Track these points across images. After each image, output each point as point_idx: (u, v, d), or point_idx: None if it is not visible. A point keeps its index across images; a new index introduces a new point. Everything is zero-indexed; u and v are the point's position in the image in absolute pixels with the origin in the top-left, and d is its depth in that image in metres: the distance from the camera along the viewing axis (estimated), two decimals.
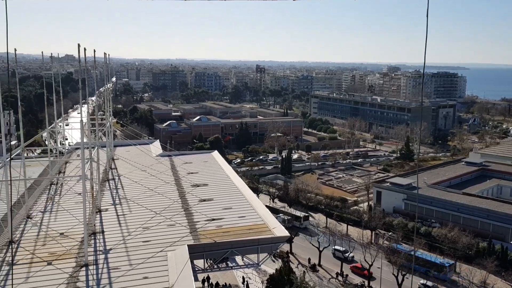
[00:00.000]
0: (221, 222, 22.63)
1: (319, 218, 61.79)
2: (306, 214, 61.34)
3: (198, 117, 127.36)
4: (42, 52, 30.14)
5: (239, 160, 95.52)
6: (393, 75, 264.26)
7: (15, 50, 25.59)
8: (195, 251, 19.11)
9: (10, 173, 15.68)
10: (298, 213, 60.94)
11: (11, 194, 17.85)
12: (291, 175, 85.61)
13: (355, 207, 66.48)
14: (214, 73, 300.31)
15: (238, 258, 30.35)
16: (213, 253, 20.67)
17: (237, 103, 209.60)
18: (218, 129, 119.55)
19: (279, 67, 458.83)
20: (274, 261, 46.56)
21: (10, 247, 19.17)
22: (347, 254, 49.55)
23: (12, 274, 16.79)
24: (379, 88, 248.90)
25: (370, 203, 65.24)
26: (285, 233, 21.60)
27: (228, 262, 35.18)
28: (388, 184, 65.09)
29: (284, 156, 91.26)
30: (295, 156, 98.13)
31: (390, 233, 54.39)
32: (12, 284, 15.62)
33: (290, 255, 50.68)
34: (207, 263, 21.66)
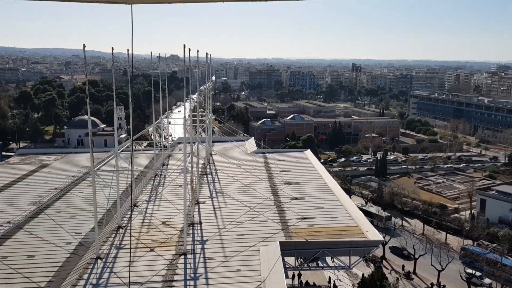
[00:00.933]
0: (313, 221, 22.57)
1: (415, 224, 58.90)
2: (389, 215, 58.83)
3: (291, 116, 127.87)
4: (151, 53, 32.42)
5: (331, 160, 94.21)
6: (503, 74, 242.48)
7: (128, 51, 27.83)
8: (286, 248, 19.29)
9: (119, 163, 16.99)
10: (380, 213, 58.69)
11: (127, 183, 19.33)
12: (386, 177, 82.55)
13: (456, 215, 62.24)
14: (309, 72, 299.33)
15: (329, 259, 30.02)
16: (304, 252, 20.72)
17: (331, 102, 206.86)
18: (311, 128, 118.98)
19: (376, 66, 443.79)
20: (366, 265, 45.34)
21: (118, 232, 20.94)
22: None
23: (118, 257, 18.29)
24: (486, 88, 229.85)
25: (472, 211, 60.70)
26: (379, 237, 20.97)
27: (319, 262, 34.97)
28: (494, 192, 60.17)
29: (379, 158, 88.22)
30: (390, 158, 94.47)
31: (495, 244, 50.18)
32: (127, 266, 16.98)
33: (383, 260, 49.01)
34: (297, 261, 21.79)
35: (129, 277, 14.78)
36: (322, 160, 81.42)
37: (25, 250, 19.54)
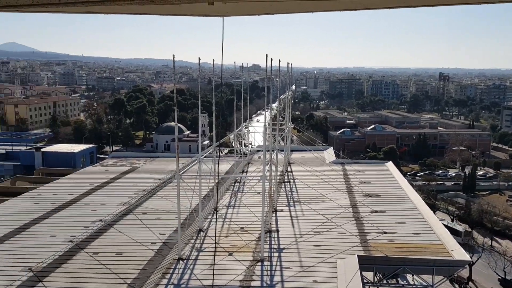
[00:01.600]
0: (394, 236, 21.76)
1: (506, 246, 54.49)
2: (468, 230, 54.76)
3: (372, 126, 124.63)
4: (234, 63, 33.42)
5: (414, 173, 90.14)
6: None
7: (213, 60, 28.98)
8: (365, 263, 18.78)
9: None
10: (458, 227, 54.84)
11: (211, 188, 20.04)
12: (475, 194, 77.44)
13: None
14: (392, 81, 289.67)
15: (410, 277, 28.67)
16: (383, 267, 20.03)
17: (415, 112, 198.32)
18: (394, 139, 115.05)
19: (466, 75, 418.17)
20: (451, 286, 42.70)
21: (199, 235, 21.74)
22: None
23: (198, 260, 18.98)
24: None
25: None
26: (466, 257, 19.72)
27: (399, 279, 33.54)
28: None
29: (467, 173, 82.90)
30: (480, 173, 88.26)
31: None
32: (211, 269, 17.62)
33: (469, 281, 45.88)
34: (376, 277, 21.11)
35: (213, 279, 15.31)
36: (405, 173, 78.12)
37: (114, 247, 20.95)
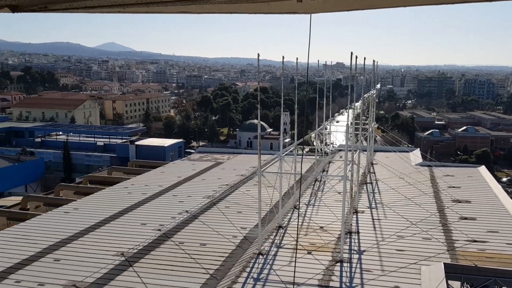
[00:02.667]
0: (485, 245, 20.38)
1: None
2: None
3: (464, 127, 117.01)
4: (318, 61, 33.26)
5: (511, 179, 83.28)
6: None
7: (297, 59, 29.09)
8: (451, 271, 17.83)
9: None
10: None
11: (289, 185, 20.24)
12: None
13: None
14: (487, 80, 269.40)
15: None
16: (472, 278, 18.84)
17: None
18: (487, 141, 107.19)
19: None
20: None
21: (279, 231, 22.03)
22: None
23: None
24: None
25: None
26: None
27: None
28: None
29: None
30: None
31: None
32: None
33: None
34: (463, 287, 19.94)
35: (294, 277, 15.51)
36: (499, 179, 72.47)
37: (198, 238, 21.93)
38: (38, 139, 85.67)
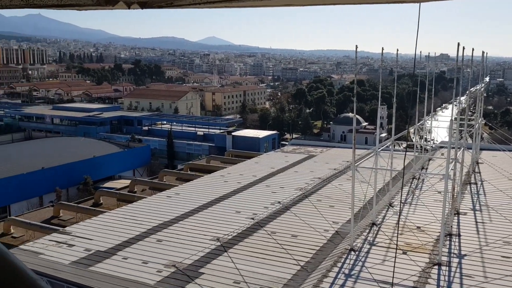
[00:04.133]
0: None
1: None
2: None
3: None
4: (420, 52, 31.66)
5: None
6: None
7: (397, 51, 27.96)
8: None
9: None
10: None
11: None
12: None
13: None
14: None
15: None
16: None
17: None
18: None
19: None
20: None
21: (372, 228, 21.52)
22: None
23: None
24: None
25: None
26: None
27: None
28: None
29: None
30: None
31: None
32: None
33: None
34: None
35: (393, 277, 15.13)
36: None
37: (290, 229, 22.23)
38: (146, 128, 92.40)
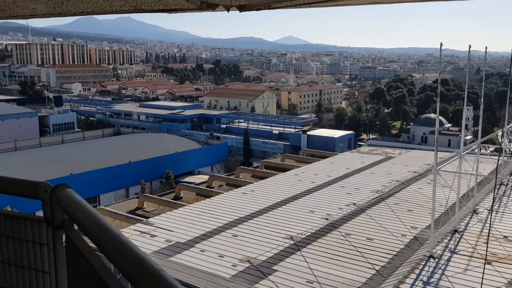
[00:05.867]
0: None
1: None
2: None
3: None
4: (511, 49, 29.37)
5: None
6: None
7: (486, 48, 26.26)
8: None
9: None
10: None
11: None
12: None
13: None
14: None
15: None
16: None
17: None
18: None
19: None
20: None
21: (454, 235, 20.48)
22: None
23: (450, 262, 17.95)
24: None
25: None
26: None
27: None
28: None
29: None
30: None
31: None
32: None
33: None
34: None
35: None
36: None
37: (365, 232, 21.81)
38: (223, 126, 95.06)
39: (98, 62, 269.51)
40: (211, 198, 29.24)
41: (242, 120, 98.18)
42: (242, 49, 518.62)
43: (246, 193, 29.49)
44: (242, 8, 2.74)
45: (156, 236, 21.79)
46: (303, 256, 19.00)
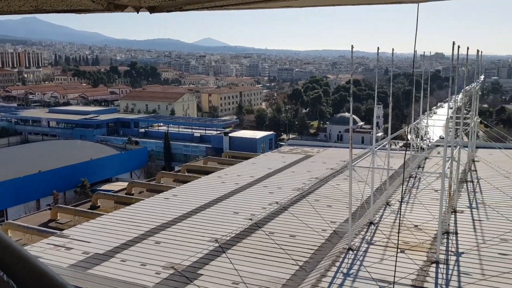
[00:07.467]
0: None
1: None
2: None
3: None
4: (415, 51, 31.68)
5: None
6: None
7: (393, 50, 28.04)
8: None
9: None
10: None
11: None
12: None
13: None
14: None
15: None
16: None
17: None
18: None
19: None
20: None
21: (370, 227, 21.58)
22: None
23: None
24: None
25: None
26: None
27: None
28: None
29: None
30: None
31: None
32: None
33: None
34: None
35: (394, 276, 15.15)
36: None
37: (288, 229, 22.28)
38: (142, 130, 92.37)
39: (1, 66, 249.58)
40: (131, 205, 28.19)
41: (161, 124, 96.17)
42: (159, 51, 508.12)
43: (168, 199, 28.83)
44: (152, 10, 2.66)
45: (72, 248, 20.52)
46: (228, 258, 18.94)
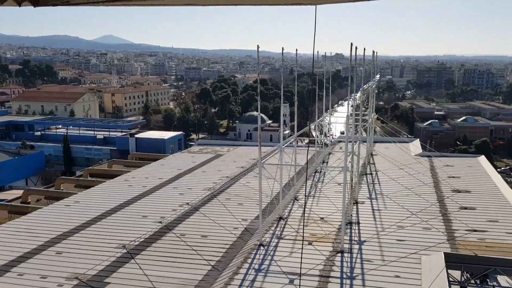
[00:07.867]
0: (484, 235, 20.50)
1: None
2: None
3: (463, 118, 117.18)
4: (317, 52, 33.21)
5: (510, 169, 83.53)
6: None
7: (296, 50, 29.00)
8: (451, 261, 17.94)
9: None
10: None
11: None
12: None
13: None
14: (487, 70, 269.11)
15: (501, 278, 26.84)
16: (472, 267, 18.97)
17: None
18: (487, 131, 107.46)
19: None
20: None
21: (279, 222, 22.12)
22: None
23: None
24: None
25: None
26: None
27: (488, 280, 31.51)
28: None
29: None
30: None
31: None
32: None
33: None
34: (463, 276, 20.06)
35: (300, 268, 15.53)
36: (499, 169, 72.69)
37: (199, 230, 22.02)
38: (38, 133, 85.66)
39: None
40: (28, 215, 25.95)
41: (60, 126, 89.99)
42: (55, 49, 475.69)
43: (69, 206, 27.01)
44: (36, 3, 2.42)
45: None
46: (138, 264, 18.21)
